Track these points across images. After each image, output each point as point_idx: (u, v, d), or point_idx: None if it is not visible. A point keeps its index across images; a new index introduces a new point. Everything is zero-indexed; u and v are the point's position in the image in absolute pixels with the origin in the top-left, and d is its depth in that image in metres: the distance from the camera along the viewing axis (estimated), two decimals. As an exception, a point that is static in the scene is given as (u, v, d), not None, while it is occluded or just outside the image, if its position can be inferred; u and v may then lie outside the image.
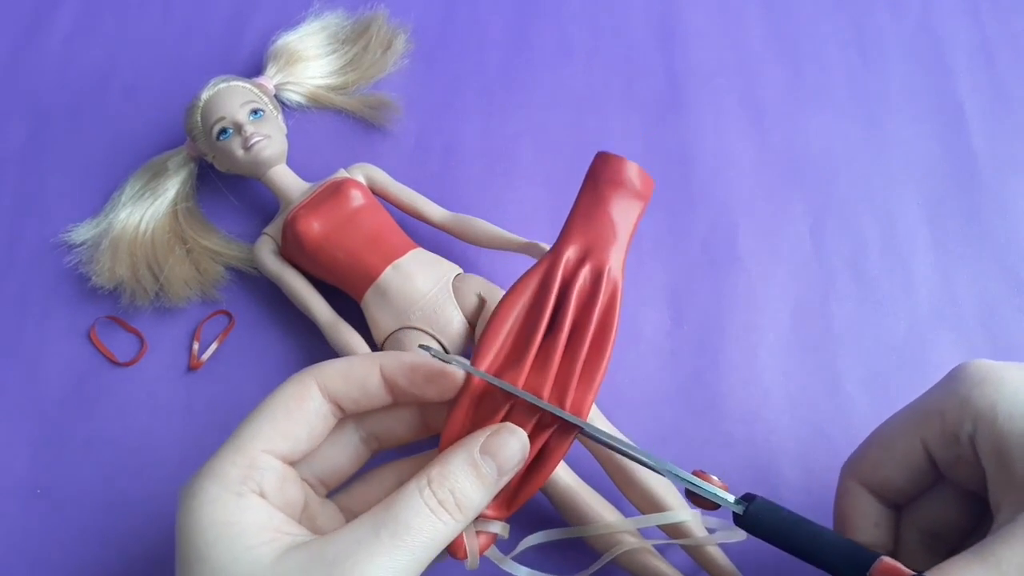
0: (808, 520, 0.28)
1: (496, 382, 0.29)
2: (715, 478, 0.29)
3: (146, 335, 0.42)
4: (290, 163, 0.43)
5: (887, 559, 0.26)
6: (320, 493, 0.31)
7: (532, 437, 0.29)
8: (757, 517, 0.28)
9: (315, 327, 0.40)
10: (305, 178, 0.43)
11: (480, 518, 0.29)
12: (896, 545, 0.31)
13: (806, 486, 0.38)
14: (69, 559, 0.37)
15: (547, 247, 0.39)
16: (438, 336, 0.38)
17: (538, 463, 0.29)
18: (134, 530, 0.38)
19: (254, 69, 0.48)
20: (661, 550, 0.36)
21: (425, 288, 0.38)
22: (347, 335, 0.39)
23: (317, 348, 0.41)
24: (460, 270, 0.40)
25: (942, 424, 0.29)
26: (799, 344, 0.42)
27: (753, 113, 0.48)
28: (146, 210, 0.43)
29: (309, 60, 0.47)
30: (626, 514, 0.36)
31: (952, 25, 0.50)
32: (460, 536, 0.28)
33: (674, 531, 0.35)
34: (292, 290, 0.41)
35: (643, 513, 0.35)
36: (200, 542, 0.26)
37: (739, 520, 0.29)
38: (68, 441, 0.40)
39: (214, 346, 0.42)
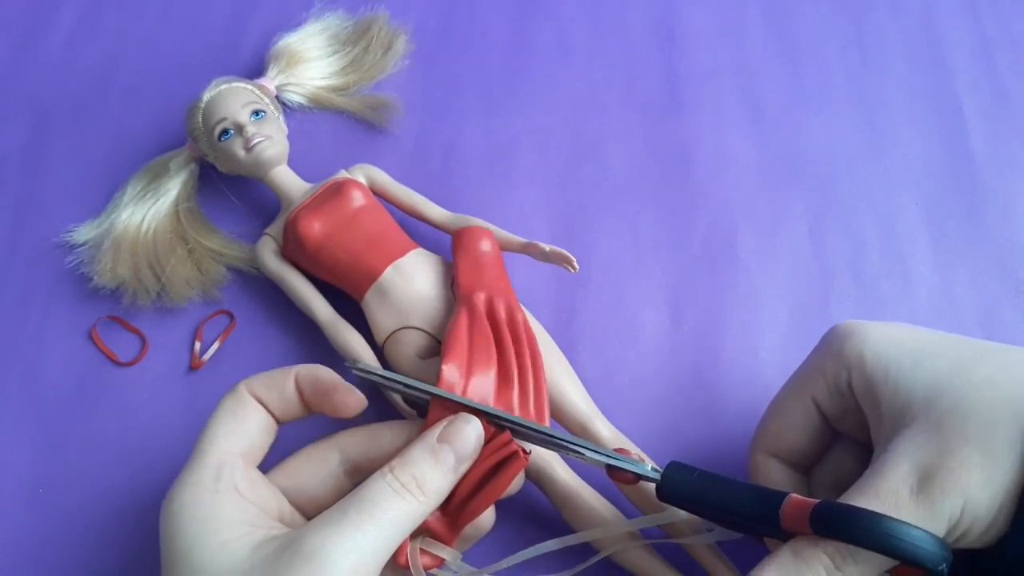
0: (719, 475, 0.30)
1: (447, 395, 0.32)
2: (633, 451, 0.32)
3: (148, 335, 0.42)
4: (291, 164, 0.43)
5: (795, 495, 0.28)
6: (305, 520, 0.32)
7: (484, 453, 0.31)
8: (671, 480, 0.30)
9: (316, 327, 0.40)
10: (306, 179, 0.43)
11: (430, 537, 0.31)
12: None
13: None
14: (70, 559, 0.37)
15: (547, 247, 0.39)
16: (438, 336, 0.38)
17: (488, 482, 0.31)
18: (135, 530, 0.38)
19: (255, 70, 0.48)
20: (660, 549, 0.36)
21: (425, 288, 0.39)
22: (347, 335, 0.39)
23: (318, 348, 0.41)
24: (460, 270, 0.40)
25: (824, 379, 0.32)
26: (799, 344, 0.42)
27: (753, 113, 0.48)
28: (148, 210, 0.43)
29: (310, 61, 0.47)
30: (626, 513, 0.36)
31: (952, 25, 0.50)
32: (404, 544, 0.30)
33: (674, 530, 0.35)
34: (293, 290, 0.41)
35: (643, 512, 0.35)
36: (180, 543, 0.27)
37: (658, 490, 0.31)
38: (69, 441, 0.40)
39: (215, 346, 0.42)
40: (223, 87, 0.43)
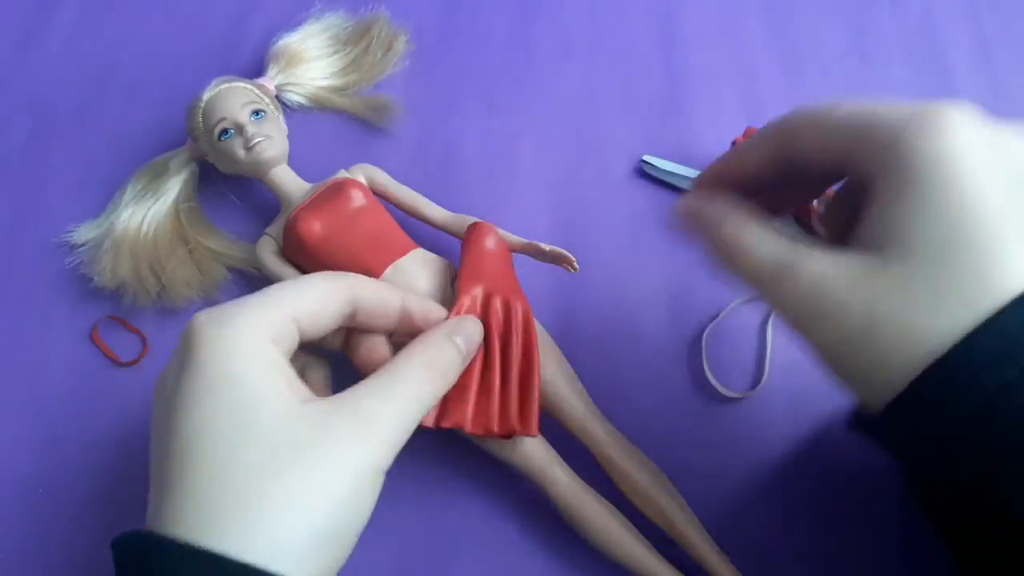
0: None
1: None
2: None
3: (148, 335, 0.42)
4: (291, 164, 0.43)
5: None
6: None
7: None
8: None
9: (316, 327, 0.40)
10: (306, 179, 0.43)
11: None
12: None
13: (806, 487, 0.38)
14: (70, 559, 0.37)
15: (546, 247, 0.39)
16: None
17: None
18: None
19: (255, 70, 0.48)
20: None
21: (425, 288, 0.39)
22: (348, 335, 0.39)
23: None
24: (460, 270, 0.40)
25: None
26: (799, 346, 0.42)
27: (753, 113, 0.48)
28: (148, 210, 0.43)
29: (310, 61, 0.47)
30: (624, 512, 0.36)
31: (952, 26, 0.50)
32: None
33: (676, 533, 0.35)
34: (293, 290, 0.41)
35: (644, 512, 0.36)
36: (233, 366, 0.25)
37: None
38: (70, 441, 0.40)
39: (215, 346, 0.42)
40: (223, 87, 0.43)
